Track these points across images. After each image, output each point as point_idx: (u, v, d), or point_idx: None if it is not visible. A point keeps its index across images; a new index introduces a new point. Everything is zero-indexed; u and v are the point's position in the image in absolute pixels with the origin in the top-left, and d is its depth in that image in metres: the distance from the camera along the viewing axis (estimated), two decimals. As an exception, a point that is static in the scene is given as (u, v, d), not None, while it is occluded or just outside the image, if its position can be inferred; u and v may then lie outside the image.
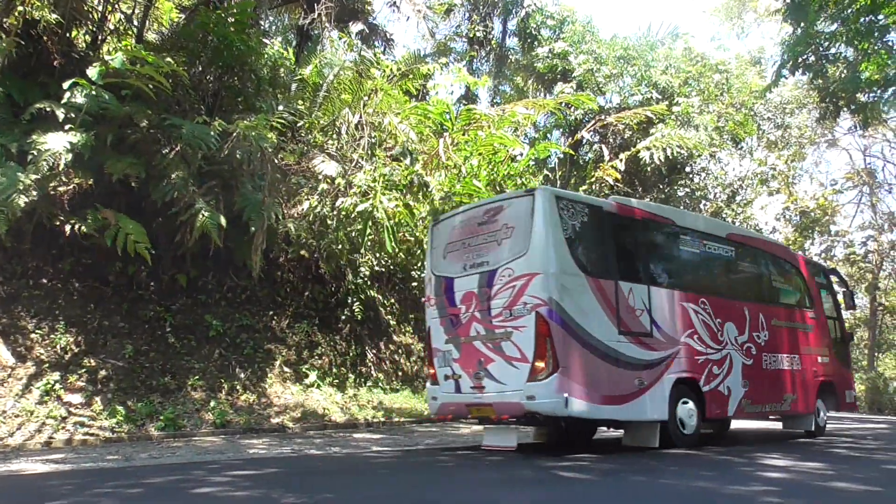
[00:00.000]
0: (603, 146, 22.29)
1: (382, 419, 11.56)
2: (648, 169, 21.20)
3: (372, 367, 13.30)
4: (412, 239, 14.44)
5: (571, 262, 7.10)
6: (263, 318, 12.05)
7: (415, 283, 14.81)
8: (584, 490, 5.27)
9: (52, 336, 9.59)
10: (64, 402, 8.91)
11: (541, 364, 6.72)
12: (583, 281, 7.12)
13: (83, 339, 9.80)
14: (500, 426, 7.52)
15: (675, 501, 4.70)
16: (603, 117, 20.90)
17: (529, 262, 6.97)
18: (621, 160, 18.93)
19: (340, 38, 17.05)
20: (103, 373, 9.58)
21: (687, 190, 24.41)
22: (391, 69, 15.51)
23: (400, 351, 14.29)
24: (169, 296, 11.14)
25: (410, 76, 16.17)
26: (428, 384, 8.35)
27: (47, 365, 9.23)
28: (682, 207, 22.71)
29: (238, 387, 10.67)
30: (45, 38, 11.26)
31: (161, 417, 9.31)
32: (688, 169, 24.07)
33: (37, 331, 9.54)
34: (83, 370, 9.42)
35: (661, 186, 23.66)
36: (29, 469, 6.78)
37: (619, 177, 18.96)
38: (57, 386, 8.99)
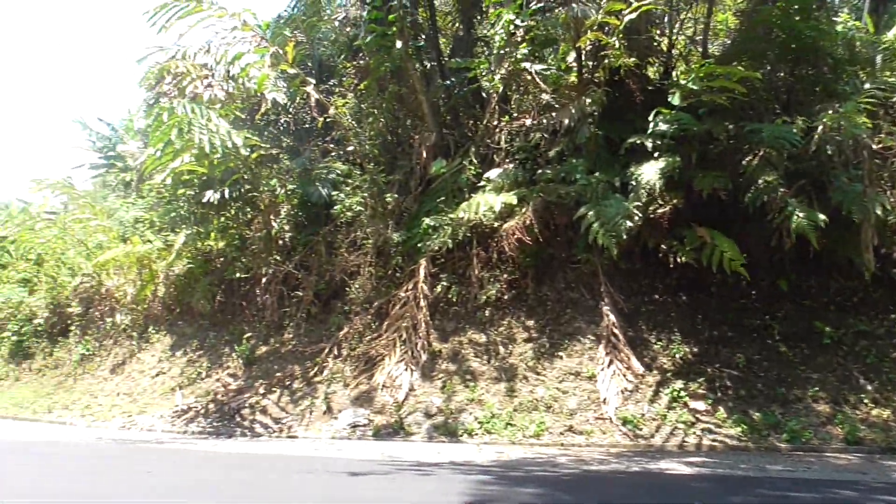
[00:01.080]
0: None
1: None
2: None
3: None
4: None
5: None
6: (884, 323, 10.46)
7: None
8: None
9: (669, 346, 10.46)
10: (689, 408, 9.54)
11: None
12: None
13: (697, 349, 10.37)
14: None
15: None
16: None
17: None
18: None
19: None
20: (719, 381, 9.90)
21: None
22: None
23: None
24: (771, 303, 10.83)
25: None
26: None
27: (670, 373, 10.09)
28: None
29: (866, 400, 9.48)
30: (626, 80, 12.79)
31: (785, 429, 9.01)
32: None
33: (657, 342, 10.58)
34: (702, 378, 9.92)
35: None
36: (674, 469, 7.45)
37: None
38: (681, 393, 9.69)
